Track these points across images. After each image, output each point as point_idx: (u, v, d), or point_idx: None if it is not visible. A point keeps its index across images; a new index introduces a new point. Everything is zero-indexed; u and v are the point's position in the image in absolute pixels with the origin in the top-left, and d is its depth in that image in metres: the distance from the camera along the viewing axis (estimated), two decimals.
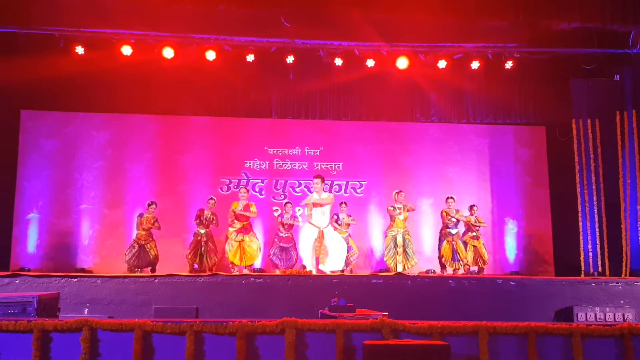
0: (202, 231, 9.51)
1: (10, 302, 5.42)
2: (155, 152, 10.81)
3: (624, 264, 9.46)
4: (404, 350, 4.43)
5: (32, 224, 10.36)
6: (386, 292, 7.73)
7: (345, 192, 10.92)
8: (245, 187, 9.73)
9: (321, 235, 8.58)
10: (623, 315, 7.61)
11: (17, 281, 7.53)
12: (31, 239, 10.30)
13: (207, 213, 9.53)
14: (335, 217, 9.65)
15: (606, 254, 9.73)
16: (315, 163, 11.05)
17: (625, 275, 9.30)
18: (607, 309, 7.67)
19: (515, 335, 4.95)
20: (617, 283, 8.08)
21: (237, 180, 10.85)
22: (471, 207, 9.91)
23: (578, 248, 9.93)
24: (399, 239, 9.41)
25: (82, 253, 10.37)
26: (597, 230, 9.85)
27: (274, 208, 10.49)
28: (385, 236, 9.65)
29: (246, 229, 9.38)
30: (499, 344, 4.94)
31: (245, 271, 9.13)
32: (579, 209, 10.00)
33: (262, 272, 9.54)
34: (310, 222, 8.68)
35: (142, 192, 10.62)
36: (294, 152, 11.09)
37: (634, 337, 4.97)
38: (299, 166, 11.04)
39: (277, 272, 9.13)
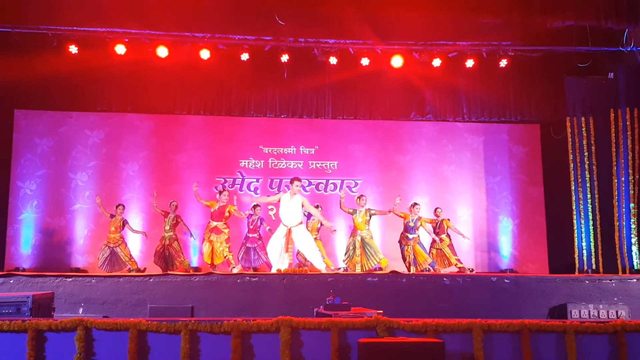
0: (167, 235, 9.48)
1: (4, 302, 5.41)
2: (150, 152, 10.80)
3: (618, 262, 9.50)
4: (399, 348, 4.44)
5: (26, 223, 10.33)
6: (381, 290, 7.73)
7: (340, 191, 10.92)
8: (228, 191, 9.56)
9: (288, 233, 8.59)
10: (616, 312, 7.64)
11: (11, 281, 7.50)
12: (25, 238, 10.27)
13: (170, 215, 9.52)
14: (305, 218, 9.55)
15: (600, 252, 9.77)
16: (310, 162, 11.05)
17: (622, 273, 9.32)
18: (601, 306, 7.70)
19: (509, 333, 4.96)
20: (610, 280, 8.11)
21: (232, 179, 10.85)
22: (435, 210, 9.90)
23: (572, 246, 9.98)
24: (358, 240, 9.31)
25: (77, 253, 10.36)
26: (591, 228, 9.89)
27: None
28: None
29: (217, 230, 9.24)
30: (493, 341, 4.95)
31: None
32: (573, 207, 10.05)
33: (257, 271, 9.54)
34: (282, 222, 8.67)
35: (136, 191, 10.61)
36: (289, 151, 11.09)
37: (627, 334, 4.99)
38: (294, 165, 11.04)
39: (275, 270, 9.13)
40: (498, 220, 11.14)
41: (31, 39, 9.46)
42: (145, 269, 9.50)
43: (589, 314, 7.62)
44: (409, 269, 9.50)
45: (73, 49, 9.54)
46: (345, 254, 9.47)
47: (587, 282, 8.08)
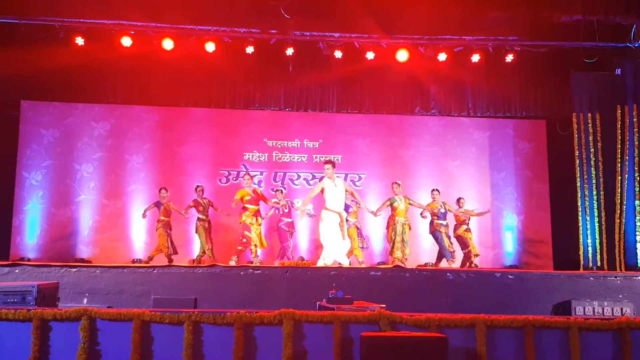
0: (206, 219, 9.57)
1: (10, 291, 5.44)
2: (155, 144, 10.82)
3: (618, 258, 9.45)
4: (401, 342, 4.44)
5: (32, 214, 10.38)
6: (384, 284, 7.74)
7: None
8: (248, 174, 9.72)
9: (342, 220, 8.58)
10: (621, 309, 7.61)
11: (16, 270, 7.56)
12: (31, 229, 10.32)
13: (204, 201, 9.60)
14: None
15: (605, 249, 9.72)
16: (314, 155, 11.04)
17: (620, 269, 9.30)
18: (606, 303, 7.68)
19: (512, 329, 4.95)
20: (615, 277, 8.08)
21: (236, 172, 10.87)
22: (458, 200, 9.95)
23: (577, 242, 9.92)
24: (400, 229, 9.44)
25: (82, 243, 10.41)
26: (596, 224, 9.83)
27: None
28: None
29: (259, 213, 9.40)
30: (497, 337, 4.94)
31: (258, 257, 9.20)
32: (579, 203, 9.98)
33: (260, 263, 9.56)
34: (326, 208, 8.59)
35: (141, 183, 10.64)
36: (293, 145, 11.09)
37: (631, 332, 4.96)
38: (298, 158, 11.04)
39: (276, 263, 9.17)
40: (502, 215, 11.10)
41: (38, 30, 9.48)
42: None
43: (594, 311, 7.60)
44: (454, 256, 9.52)
45: (79, 40, 9.56)
46: (392, 245, 9.45)
47: (591, 278, 8.05)
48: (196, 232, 9.60)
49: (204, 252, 9.50)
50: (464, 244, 9.78)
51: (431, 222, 9.69)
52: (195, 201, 9.56)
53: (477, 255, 9.82)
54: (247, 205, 9.23)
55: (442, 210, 9.61)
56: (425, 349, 4.39)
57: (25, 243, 10.27)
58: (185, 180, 10.69)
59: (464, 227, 9.83)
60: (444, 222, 9.61)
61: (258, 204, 9.35)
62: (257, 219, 9.26)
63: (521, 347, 4.93)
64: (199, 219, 9.55)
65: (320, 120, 11.16)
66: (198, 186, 9.71)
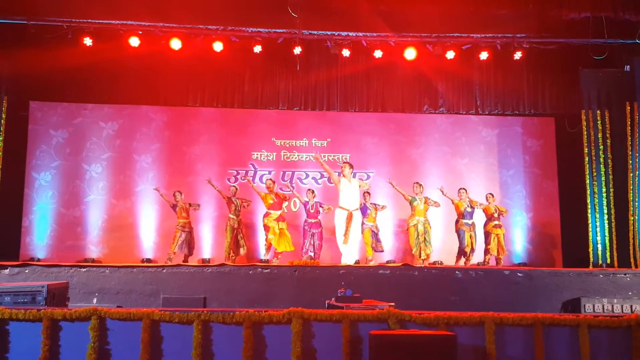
0: (237, 219, 9.68)
1: (20, 291, 5.47)
2: (163, 144, 10.86)
3: (631, 255, 9.39)
4: (410, 340, 4.44)
5: (41, 214, 10.44)
6: (393, 282, 7.74)
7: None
8: (271, 179, 9.87)
9: (349, 218, 8.70)
10: (631, 306, 7.58)
11: (26, 271, 7.61)
12: (40, 229, 10.38)
13: (235, 199, 9.73)
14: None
15: (615, 246, 9.67)
16: (322, 154, 11.00)
17: (637, 267, 9.23)
18: (615, 301, 7.65)
19: (522, 326, 4.93)
20: (625, 275, 8.05)
21: (244, 171, 10.88)
22: (487, 196, 9.93)
23: (586, 240, 9.88)
24: (420, 228, 9.52)
25: (91, 243, 10.45)
26: (605, 222, 9.79)
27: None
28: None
29: (282, 218, 9.57)
30: (506, 335, 4.93)
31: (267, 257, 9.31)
32: (588, 201, 9.94)
33: (268, 263, 9.59)
34: (339, 206, 8.85)
35: (149, 183, 10.67)
36: (301, 144, 11.09)
37: None
38: (306, 157, 11.03)
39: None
40: (511, 213, 11.03)
41: (46, 31, 9.52)
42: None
43: (603, 309, 7.57)
44: (468, 256, 9.55)
45: (88, 41, 9.60)
46: (415, 245, 9.49)
47: (601, 276, 8.02)
48: (226, 230, 9.75)
49: (237, 251, 9.63)
50: (487, 240, 9.80)
51: (457, 221, 9.77)
52: (228, 200, 9.71)
53: (492, 255, 9.80)
54: (270, 211, 9.46)
55: (469, 210, 9.63)
56: (434, 347, 4.39)
57: (35, 243, 10.33)
58: (194, 181, 10.71)
59: (493, 222, 9.79)
60: (469, 222, 9.67)
61: (281, 208, 9.54)
62: (278, 223, 9.41)
63: (530, 344, 4.91)
64: (229, 217, 9.70)
65: (328, 119, 11.15)
66: (232, 186, 9.88)
